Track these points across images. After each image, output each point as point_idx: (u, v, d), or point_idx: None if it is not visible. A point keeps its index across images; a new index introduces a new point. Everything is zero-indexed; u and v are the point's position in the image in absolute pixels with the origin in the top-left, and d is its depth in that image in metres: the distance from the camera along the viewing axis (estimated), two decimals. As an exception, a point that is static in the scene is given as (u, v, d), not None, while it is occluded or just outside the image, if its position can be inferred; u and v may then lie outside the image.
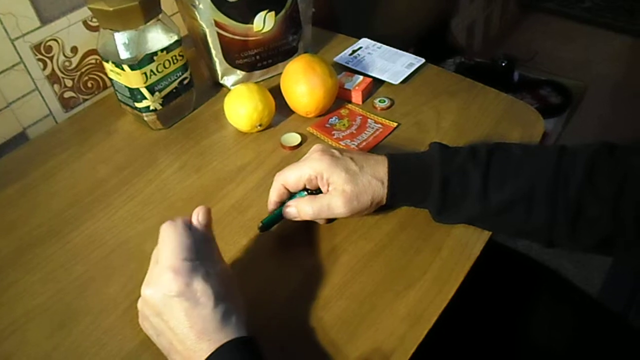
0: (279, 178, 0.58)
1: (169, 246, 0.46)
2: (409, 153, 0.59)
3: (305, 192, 0.58)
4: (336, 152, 0.57)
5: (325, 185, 0.56)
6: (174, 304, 0.44)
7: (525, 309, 0.69)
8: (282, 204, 0.59)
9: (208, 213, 0.51)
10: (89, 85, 0.84)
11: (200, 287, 0.44)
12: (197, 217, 0.50)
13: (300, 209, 0.57)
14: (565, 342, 0.67)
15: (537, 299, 0.70)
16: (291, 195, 0.59)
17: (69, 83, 0.81)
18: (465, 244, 0.58)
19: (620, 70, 2.08)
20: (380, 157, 0.57)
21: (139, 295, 0.48)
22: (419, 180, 0.56)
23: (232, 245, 0.60)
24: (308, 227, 0.61)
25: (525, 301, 0.70)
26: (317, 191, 0.58)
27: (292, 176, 0.57)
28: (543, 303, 0.70)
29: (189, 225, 0.49)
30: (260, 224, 0.59)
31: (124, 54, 0.68)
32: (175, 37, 0.72)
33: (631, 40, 2.21)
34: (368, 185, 0.55)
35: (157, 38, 0.70)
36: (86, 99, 0.85)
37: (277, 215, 0.59)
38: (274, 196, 0.59)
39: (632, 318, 1.29)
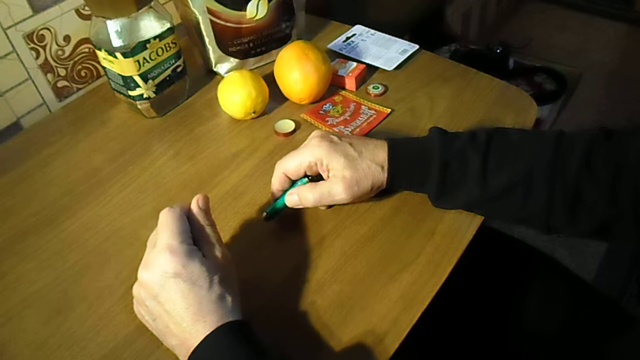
0: (279, 166, 0.59)
1: (166, 230, 0.47)
2: (409, 137, 0.59)
3: (307, 179, 0.58)
4: (335, 138, 0.57)
5: (325, 171, 0.56)
6: (170, 285, 0.44)
7: (520, 293, 0.69)
8: (284, 192, 0.59)
9: (207, 199, 0.52)
10: (83, 74, 0.84)
11: (197, 269, 0.45)
12: (197, 202, 0.51)
13: (302, 197, 0.57)
14: (559, 326, 0.67)
15: (532, 284, 0.70)
16: (293, 182, 0.59)
17: (62, 72, 0.81)
18: (457, 228, 0.58)
19: (615, 57, 2.08)
20: (379, 142, 0.57)
21: (134, 282, 0.48)
22: (419, 165, 0.56)
23: (226, 231, 0.60)
24: (302, 213, 0.61)
25: (520, 286, 0.70)
26: (318, 177, 0.58)
27: (292, 164, 0.57)
28: (537, 287, 0.70)
29: (187, 213, 0.50)
30: (265, 214, 0.59)
31: (116, 42, 0.68)
32: (168, 25, 0.71)
33: (626, 27, 2.21)
34: (368, 170, 0.55)
35: (150, 26, 0.70)
36: (80, 88, 0.85)
37: (281, 204, 0.59)
38: (275, 185, 0.59)
39: (625, 303, 1.30)
